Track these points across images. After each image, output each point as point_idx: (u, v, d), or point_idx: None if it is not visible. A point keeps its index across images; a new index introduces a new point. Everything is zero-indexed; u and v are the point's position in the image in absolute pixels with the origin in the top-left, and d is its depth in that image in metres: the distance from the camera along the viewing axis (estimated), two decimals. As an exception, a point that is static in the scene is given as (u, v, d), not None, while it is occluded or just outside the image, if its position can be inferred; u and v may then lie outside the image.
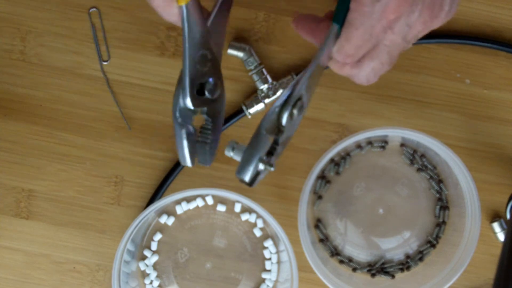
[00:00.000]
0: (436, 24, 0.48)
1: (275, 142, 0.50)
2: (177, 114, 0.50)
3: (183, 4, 0.48)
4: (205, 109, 0.52)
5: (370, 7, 0.45)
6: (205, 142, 0.52)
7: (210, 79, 0.51)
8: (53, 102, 0.70)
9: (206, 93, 0.51)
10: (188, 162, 0.52)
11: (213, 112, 0.52)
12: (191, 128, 0.51)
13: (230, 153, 0.50)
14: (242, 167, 0.49)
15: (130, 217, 0.70)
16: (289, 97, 0.49)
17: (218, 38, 0.52)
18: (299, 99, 0.49)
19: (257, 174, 0.50)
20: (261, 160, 0.49)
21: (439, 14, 0.47)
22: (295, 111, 0.49)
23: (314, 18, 0.51)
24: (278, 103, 0.49)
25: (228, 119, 0.69)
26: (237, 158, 0.50)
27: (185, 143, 0.51)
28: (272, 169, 0.49)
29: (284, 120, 0.49)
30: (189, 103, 0.50)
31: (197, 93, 0.51)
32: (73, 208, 0.70)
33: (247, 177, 0.49)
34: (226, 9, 0.52)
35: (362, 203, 0.70)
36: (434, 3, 0.46)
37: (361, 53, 0.48)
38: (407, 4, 0.45)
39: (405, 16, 0.45)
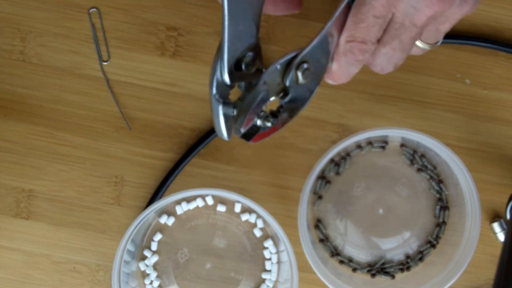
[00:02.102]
0: (453, 13, 0.47)
1: (281, 106, 0.50)
2: (214, 89, 0.51)
3: None
4: (242, 83, 0.52)
5: None
6: (239, 113, 0.52)
7: (250, 53, 0.51)
8: (53, 102, 0.70)
9: (243, 67, 0.51)
10: (225, 135, 0.52)
11: (249, 85, 0.52)
12: (227, 101, 0.51)
13: (234, 111, 0.51)
14: (237, 117, 0.50)
15: (130, 217, 0.70)
16: (294, 57, 0.49)
17: (256, 9, 0.51)
18: (304, 61, 0.49)
19: (255, 129, 0.50)
20: (257, 115, 0.49)
21: (450, 1, 0.47)
22: (299, 73, 0.49)
23: None
24: (282, 60, 0.49)
25: (228, 119, 0.69)
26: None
27: (221, 117, 0.51)
28: (269, 124, 0.50)
29: (288, 80, 0.49)
30: (226, 78, 0.50)
31: (235, 68, 0.51)
32: (73, 208, 0.70)
33: (241, 128, 0.49)
34: None
35: (362, 203, 0.70)
36: None
37: (373, 35, 0.48)
38: None
39: None
